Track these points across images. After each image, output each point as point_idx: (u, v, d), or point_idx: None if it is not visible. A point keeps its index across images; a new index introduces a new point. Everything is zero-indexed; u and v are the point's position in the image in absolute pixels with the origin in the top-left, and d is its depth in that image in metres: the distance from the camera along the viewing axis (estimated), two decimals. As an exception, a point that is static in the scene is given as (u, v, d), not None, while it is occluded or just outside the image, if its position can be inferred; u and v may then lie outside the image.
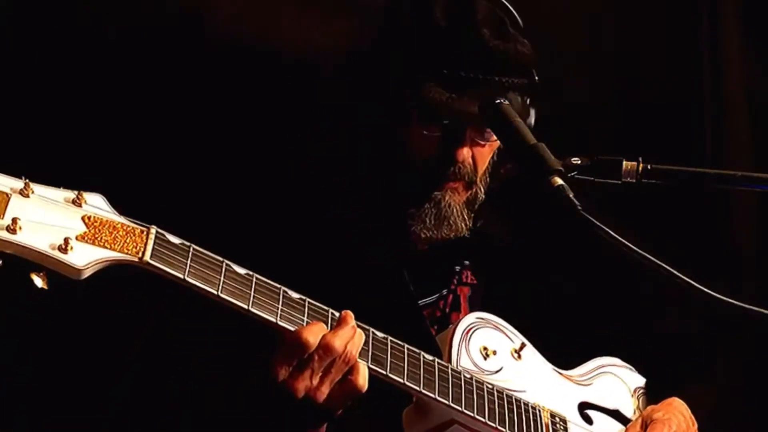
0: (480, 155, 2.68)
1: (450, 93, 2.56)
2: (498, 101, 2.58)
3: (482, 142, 2.66)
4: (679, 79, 3.67)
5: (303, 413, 2.26)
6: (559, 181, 2.31)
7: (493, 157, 2.74)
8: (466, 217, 2.70)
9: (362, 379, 2.27)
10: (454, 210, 2.67)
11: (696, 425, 2.71)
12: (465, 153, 2.63)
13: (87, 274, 2.05)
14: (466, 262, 2.83)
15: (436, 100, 2.56)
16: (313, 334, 2.22)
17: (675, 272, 2.17)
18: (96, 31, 3.00)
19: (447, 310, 2.77)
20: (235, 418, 2.37)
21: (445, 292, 2.78)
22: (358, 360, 2.26)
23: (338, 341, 2.23)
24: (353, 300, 2.43)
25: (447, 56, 2.57)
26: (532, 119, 2.68)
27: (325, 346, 2.22)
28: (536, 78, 2.68)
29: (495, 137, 2.60)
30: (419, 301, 2.73)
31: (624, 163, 2.40)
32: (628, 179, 2.40)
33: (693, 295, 2.18)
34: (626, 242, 2.20)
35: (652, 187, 2.43)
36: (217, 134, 3.11)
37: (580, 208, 2.25)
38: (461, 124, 2.61)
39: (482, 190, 2.73)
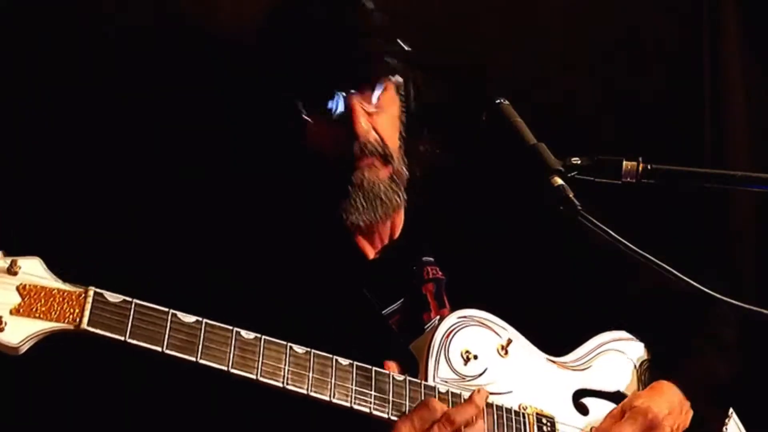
0: (381, 126, 2.60)
1: (321, 75, 2.51)
2: (498, 101, 2.58)
3: (373, 107, 2.58)
4: (679, 79, 3.67)
5: None
6: (559, 181, 2.31)
7: (402, 134, 2.68)
8: (397, 190, 2.63)
9: None
10: (380, 186, 2.60)
11: (687, 406, 2.63)
12: (362, 125, 2.55)
13: (24, 349, 2.04)
14: (423, 258, 2.75)
15: (311, 85, 2.53)
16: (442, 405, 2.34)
17: (675, 272, 2.18)
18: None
19: (415, 312, 2.70)
20: None
21: (408, 295, 2.71)
22: None
23: (459, 418, 2.33)
24: (316, 328, 2.42)
25: (306, 43, 2.54)
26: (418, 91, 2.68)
27: (447, 417, 2.31)
28: (406, 51, 2.66)
29: (384, 100, 2.59)
30: (384, 311, 2.67)
31: (624, 163, 2.40)
32: (628, 179, 2.40)
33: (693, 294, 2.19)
34: (626, 242, 2.21)
35: (652, 187, 2.43)
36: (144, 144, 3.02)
37: (580, 208, 2.26)
38: (343, 99, 2.55)
39: (402, 168, 2.66)
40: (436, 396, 2.42)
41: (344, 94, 2.54)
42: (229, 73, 2.94)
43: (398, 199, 2.63)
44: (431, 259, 2.76)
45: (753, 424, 2.89)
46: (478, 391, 2.39)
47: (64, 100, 2.93)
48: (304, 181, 2.61)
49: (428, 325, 2.66)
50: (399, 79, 2.66)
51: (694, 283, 2.18)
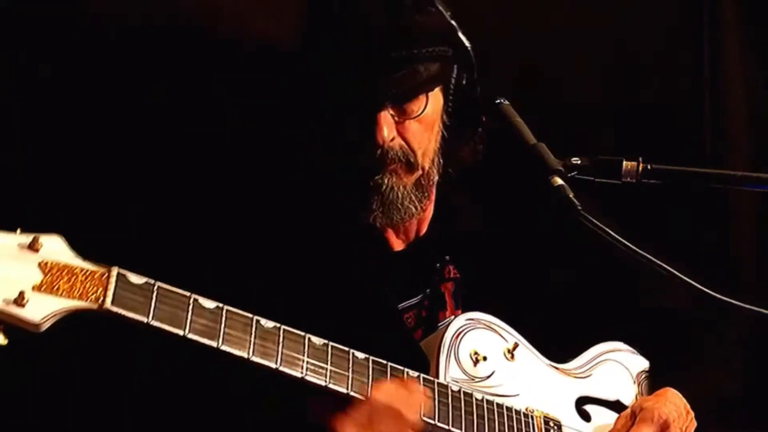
0: (411, 133, 2.58)
1: (356, 80, 2.49)
2: (498, 101, 2.58)
3: (404, 118, 2.56)
4: (679, 79, 3.67)
5: None
6: (560, 181, 2.31)
7: (443, 137, 2.65)
8: (415, 199, 2.61)
9: None
10: (400, 193, 2.58)
11: (692, 414, 2.64)
12: (385, 133, 2.52)
13: (46, 326, 1.98)
14: (447, 257, 2.76)
15: (344, 89, 2.50)
16: (387, 395, 2.30)
17: (675, 272, 2.18)
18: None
19: (432, 309, 2.71)
20: None
21: (428, 291, 2.72)
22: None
23: (407, 410, 2.31)
24: (331, 315, 2.43)
25: (345, 46, 2.51)
26: (469, 87, 2.64)
27: (392, 412, 2.30)
28: (462, 43, 2.63)
29: (420, 111, 2.56)
30: (401, 305, 2.68)
31: (624, 163, 2.40)
32: (628, 179, 2.40)
33: (693, 294, 2.19)
34: (626, 242, 2.21)
35: (652, 187, 2.43)
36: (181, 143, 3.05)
37: (580, 208, 2.25)
38: (372, 106, 2.52)
39: (434, 170, 2.65)
40: (449, 394, 2.43)
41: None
42: (262, 74, 2.98)
43: (416, 207, 2.62)
44: (452, 257, 2.76)
45: (754, 426, 2.89)
46: (415, 379, 2.39)
47: (84, 88, 2.95)
48: (331, 179, 2.62)
49: (442, 324, 2.65)
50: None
51: (694, 284, 2.18)
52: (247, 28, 3.12)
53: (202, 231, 2.81)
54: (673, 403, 2.61)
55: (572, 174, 2.38)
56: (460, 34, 2.64)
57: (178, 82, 3.05)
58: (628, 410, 2.61)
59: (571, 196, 2.28)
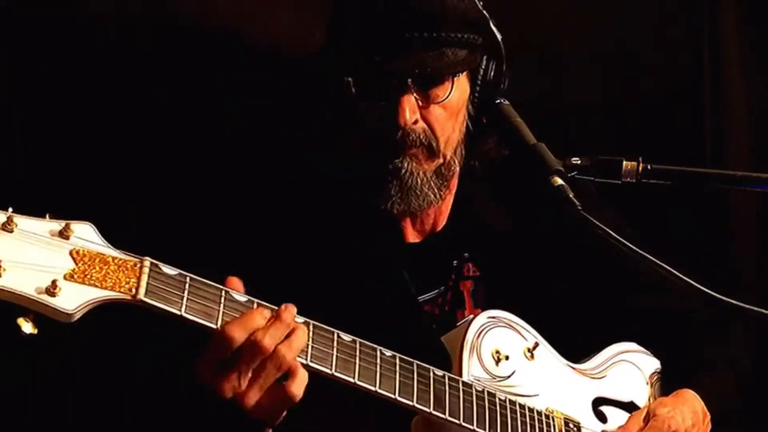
0: (434, 118, 2.53)
1: (381, 57, 2.44)
2: (498, 101, 2.58)
3: (428, 103, 2.51)
4: (679, 79, 3.67)
5: (233, 418, 2.11)
6: (560, 181, 2.31)
7: (468, 128, 2.61)
8: (434, 186, 2.56)
9: (296, 388, 2.12)
10: (419, 179, 2.53)
11: (708, 417, 2.61)
12: (408, 115, 2.47)
13: (78, 316, 1.93)
14: (466, 254, 2.71)
15: (367, 66, 2.46)
16: (241, 329, 2.08)
17: (675, 272, 2.18)
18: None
19: (448, 307, 2.68)
20: (164, 423, 2.27)
21: (443, 288, 2.68)
22: (299, 364, 2.12)
23: (268, 340, 2.08)
24: (351, 303, 2.41)
25: (371, 22, 2.47)
26: (498, 78, 2.60)
27: (250, 345, 2.06)
28: (493, 34, 2.59)
29: (446, 96, 2.51)
30: (418, 298, 2.64)
31: (624, 163, 2.40)
32: (628, 179, 2.41)
33: (693, 294, 2.19)
34: (626, 242, 2.21)
35: (652, 187, 2.43)
36: (195, 139, 3.07)
37: (580, 208, 2.26)
38: (397, 86, 2.47)
39: (456, 160, 2.60)
40: (473, 393, 2.39)
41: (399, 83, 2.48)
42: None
43: (435, 195, 2.57)
44: (471, 254, 2.71)
45: (753, 427, 2.89)
46: (285, 308, 2.14)
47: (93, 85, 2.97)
48: (350, 162, 2.57)
49: (461, 322, 2.60)
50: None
51: (695, 284, 2.18)
52: (247, 25, 3.13)
53: (220, 224, 2.76)
54: (690, 408, 2.59)
55: (572, 174, 2.38)
56: (492, 25, 2.61)
57: (187, 75, 3.06)
58: (644, 410, 2.59)
59: (571, 196, 2.28)
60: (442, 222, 2.72)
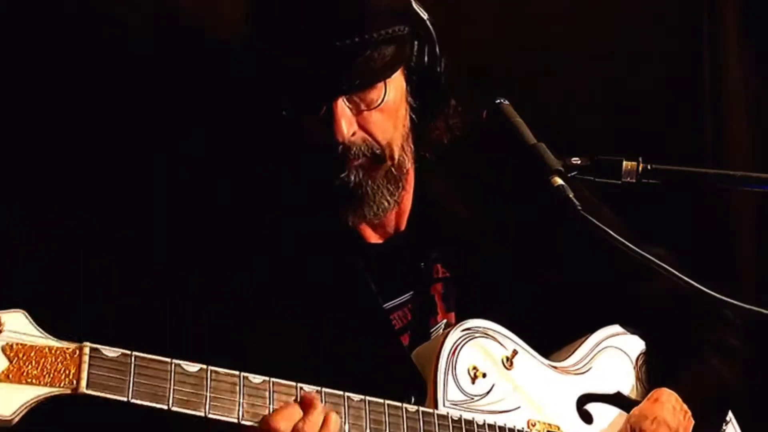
0: (372, 124, 2.42)
1: (308, 69, 2.33)
2: (498, 101, 2.58)
3: (363, 110, 2.41)
4: (679, 79, 3.67)
5: None
6: (560, 181, 2.31)
7: (412, 120, 2.52)
8: (387, 192, 2.47)
9: None
10: (370, 189, 2.44)
11: (689, 413, 2.58)
12: (344, 129, 2.36)
13: (17, 419, 1.85)
14: (433, 255, 2.61)
15: (296, 81, 2.35)
16: (286, 420, 2.14)
17: (675, 272, 2.18)
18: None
19: (421, 314, 2.59)
20: None
21: (413, 293, 2.59)
22: None
23: (309, 428, 2.14)
24: (310, 319, 2.36)
25: (288, 36, 2.35)
26: (432, 62, 2.50)
27: None
28: (419, 16, 2.49)
29: (380, 100, 2.41)
30: (386, 305, 2.56)
31: (624, 163, 2.40)
32: (628, 179, 2.40)
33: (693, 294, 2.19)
34: (626, 242, 2.21)
35: (652, 187, 2.43)
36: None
37: (580, 208, 2.25)
38: (325, 102, 2.37)
39: (406, 157, 2.50)
40: (449, 425, 2.36)
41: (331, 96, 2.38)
42: (228, 72, 2.84)
43: (390, 200, 2.49)
44: (439, 255, 2.62)
45: (752, 427, 2.89)
46: (315, 394, 2.20)
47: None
48: (298, 180, 2.49)
49: (434, 329, 2.58)
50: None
51: (695, 284, 2.18)
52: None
53: (171, 249, 2.71)
54: (668, 411, 2.56)
55: (572, 174, 2.38)
56: (416, 6, 2.51)
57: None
58: (627, 427, 2.56)
59: (571, 195, 2.28)
60: (404, 223, 2.64)
